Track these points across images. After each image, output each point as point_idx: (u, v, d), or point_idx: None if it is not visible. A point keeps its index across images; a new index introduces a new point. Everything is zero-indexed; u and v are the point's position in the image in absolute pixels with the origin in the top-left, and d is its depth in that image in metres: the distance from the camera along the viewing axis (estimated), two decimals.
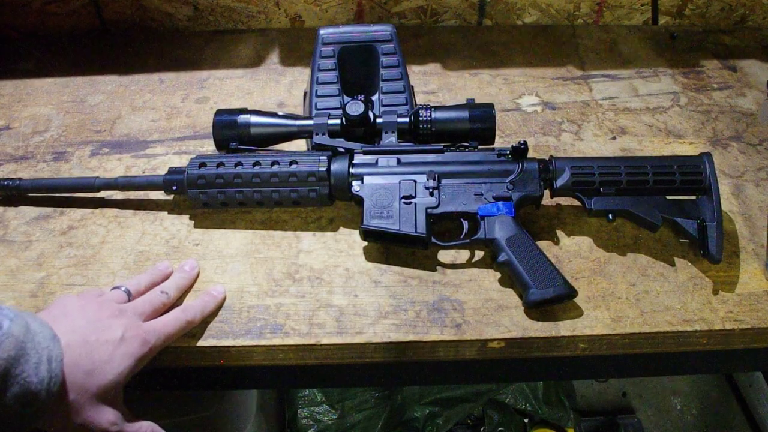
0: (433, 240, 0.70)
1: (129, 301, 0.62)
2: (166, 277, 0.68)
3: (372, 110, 0.75)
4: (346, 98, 0.77)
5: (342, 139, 0.74)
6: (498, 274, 0.71)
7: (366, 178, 0.71)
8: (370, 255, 0.73)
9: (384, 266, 0.72)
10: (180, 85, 0.96)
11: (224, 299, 0.68)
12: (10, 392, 0.45)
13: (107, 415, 0.53)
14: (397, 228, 0.69)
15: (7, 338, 0.45)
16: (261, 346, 0.65)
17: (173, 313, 0.63)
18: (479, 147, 0.74)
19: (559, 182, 0.71)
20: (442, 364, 0.70)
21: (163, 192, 0.75)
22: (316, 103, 0.79)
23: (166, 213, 0.77)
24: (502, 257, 0.68)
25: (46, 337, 0.49)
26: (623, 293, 0.69)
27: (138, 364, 0.57)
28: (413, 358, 0.68)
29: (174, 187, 0.73)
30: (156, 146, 0.86)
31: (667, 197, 0.71)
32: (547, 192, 0.72)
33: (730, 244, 0.74)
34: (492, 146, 0.75)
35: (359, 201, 0.71)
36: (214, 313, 0.66)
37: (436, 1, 1.02)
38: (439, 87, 0.95)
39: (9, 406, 0.45)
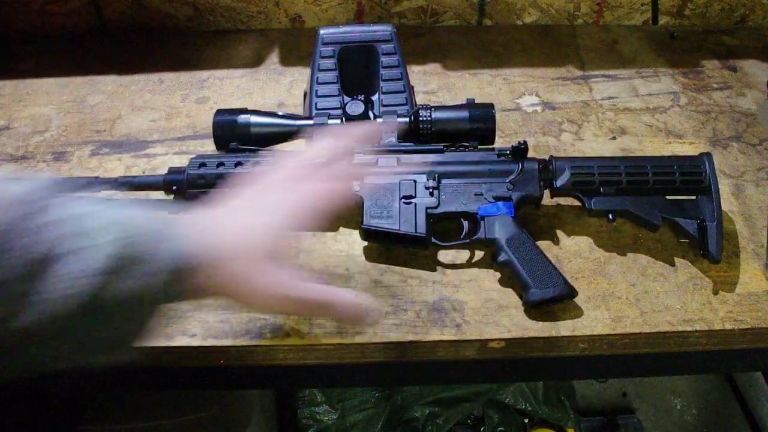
0: (433, 240, 0.70)
1: None
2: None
3: (372, 110, 0.75)
4: (346, 98, 0.77)
5: None
6: (498, 274, 0.71)
7: (366, 178, 0.71)
8: (370, 255, 0.73)
9: (384, 266, 0.72)
10: (180, 85, 0.96)
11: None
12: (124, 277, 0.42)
13: (275, 275, 0.49)
14: (397, 228, 0.69)
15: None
16: (261, 346, 0.65)
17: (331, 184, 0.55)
18: (479, 147, 0.74)
19: (559, 182, 0.71)
20: (442, 364, 0.70)
21: (163, 192, 0.75)
22: (316, 103, 0.79)
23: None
24: (502, 257, 0.68)
25: (168, 228, 0.46)
26: (623, 293, 0.69)
27: (301, 224, 0.51)
28: (413, 358, 0.68)
29: (174, 187, 0.73)
30: (156, 146, 0.86)
31: (667, 197, 0.71)
32: (547, 192, 0.72)
33: (730, 244, 0.74)
34: (492, 146, 0.75)
35: (359, 201, 0.71)
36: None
37: (436, 1, 1.02)
38: (439, 87, 0.95)
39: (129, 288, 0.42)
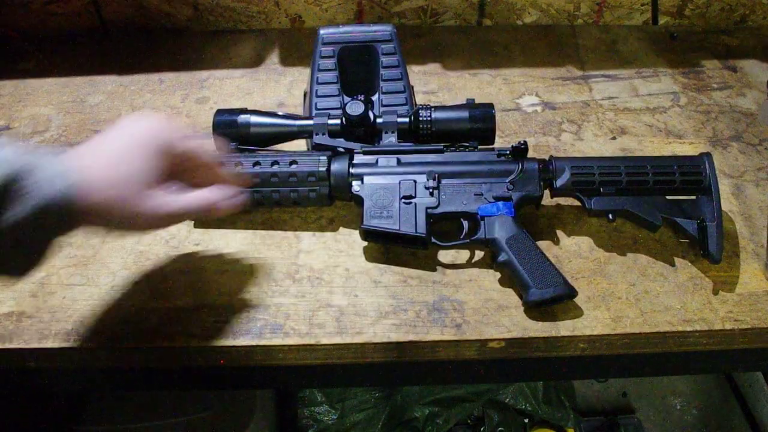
0: (433, 240, 0.70)
1: None
2: None
3: (372, 110, 0.75)
4: (346, 98, 0.77)
5: (342, 139, 0.74)
6: (498, 274, 0.71)
7: (366, 178, 0.71)
8: (370, 255, 0.73)
9: (384, 266, 0.72)
10: (180, 85, 0.96)
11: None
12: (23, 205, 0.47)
13: (152, 199, 0.55)
14: (397, 228, 0.69)
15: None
16: (261, 346, 0.65)
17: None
18: (479, 147, 0.74)
19: (559, 182, 0.71)
20: (442, 364, 0.70)
21: None
22: (316, 103, 0.79)
23: None
24: (502, 257, 0.68)
25: (51, 161, 0.50)
26: (623, 293, 0.69)
27: (163, 146, 0.56)
28: (413, 358, 0.68)
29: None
30: None
31: (667, 197, 0.71)
32: (547, 192, 0.72)
33: (730, 244, 0.74)
34: (492, 146, 0.75)
35: (359, 201, 0.71)
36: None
37: (436, 1, 1.02)
38: (439, 87, 0.95)
39: (26, 217, 0.47)
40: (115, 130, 0.57)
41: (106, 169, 0.53)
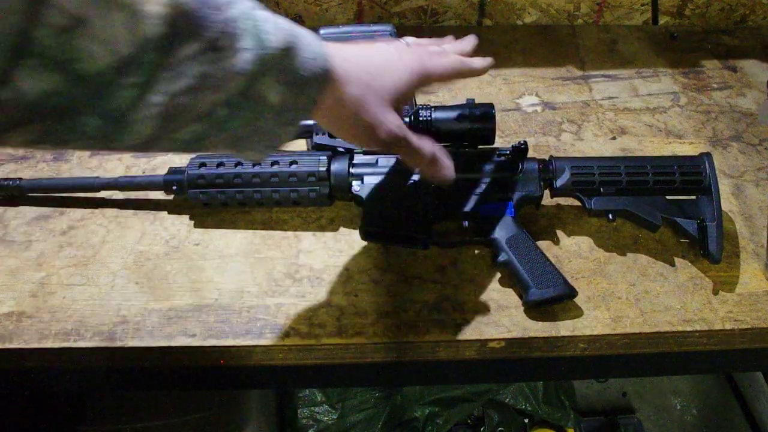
0: (433, 240, 0.70)
1: None
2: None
3: None
4: None
5: (342, 139, 0.74)
6: (498, 274, 0.71)
7: (366, 178, 0.71)
8: (370, 255, 0.73)
9: (384, 266, 0.72)
10: None
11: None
12: (283, 80, 0.46)
13: (393, 117, 0.54)
14: (398, 228, 0.69)
15: (279, 30, 0.45)
16: (261, 346, 0.65)
17: (451, 56, 0.62)
18: (479, 147, 0.74)
19: (559, 182, 0.71)
20: (442, 364, 0.70)
21: (163, 192, 0.75)
22: None
23: (166, 213, 0.77)
24: (502, 257, 0.68)
25: (313, 38, 0.49)
26: (623, 293, 0.69)
27: (414, 80, 0.56)
28: (413, 358, 0.68)
29: (174, 187, 0.73)
30: None
31: (667, 197, 0.71)
32: (547, 192, 0.72)
33: (730, 244, 0.74)
34: (492, 146, 0.75)
35: (359, 201, 0.71)
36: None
37: (436, 1, 1.02)
38: (439, 87, 0.95)
39: (283, 93, 0.46)
40: (379, 45, 0.57)
41: (364, 71, 0.53)
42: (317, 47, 0.48)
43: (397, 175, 0.72)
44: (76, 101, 0.37)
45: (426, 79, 0.58)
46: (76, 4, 0.34)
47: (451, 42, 0.66)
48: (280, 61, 0.45)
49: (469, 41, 0.67)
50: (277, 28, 0.45)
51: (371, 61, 0.54)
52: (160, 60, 0.39)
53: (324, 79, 0.48)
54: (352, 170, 0.72)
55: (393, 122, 0.54)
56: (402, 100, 0.56)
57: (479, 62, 0.64)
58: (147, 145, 0.43)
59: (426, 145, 0.57)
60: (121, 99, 0.38)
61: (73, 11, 0.34)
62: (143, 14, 0.37)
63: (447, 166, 0.59)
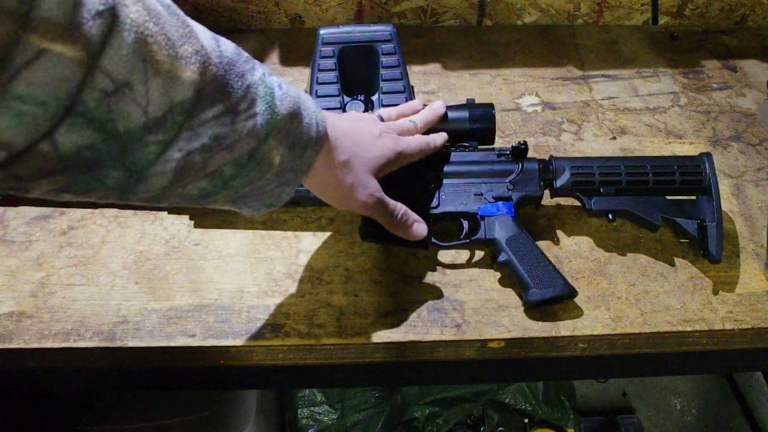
0: (433, 240, 0.70)
1: None
2: (415, 113, 0.71)
3: (372, 110, 0.75)
4: (346, 98, 0.77)
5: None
6: (498, 274, 0.71)
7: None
8: (370, 255, 0.73)
9: (384, 266, 0.72)
10: None
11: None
12: (286, 143, 0.49)
13: (373, 182, 0.59)
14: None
15: (286, 96, 0.49)
16: (261, 346, 0.65)
17: (418, 137, 0.68)
18: (479, 147, 0.74)
19: (559, 182, 0.71)
20: (442, 364, 0.70)
21: None
22: None
23: (166, 213, 0.77)
24: (502, 257, 0.68)
25: (313, 104, 0.53)
26: (623, 293, 0.69)
27: (392, 157, 0.61)
28: (413, 358, 0.68)
29: None
30: None
31: (667, 197, 0.71)
32: (547, 192, 0.73)
33: (730, 244, 0.74)
34: (492, 146, 0.75)
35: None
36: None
37: (436, 1, 1.02)
38: (439, 87, 0.95)
39: (284, 155, 0.49)
40: (366, 122, 0.62)
41: (352, 141, 0.57)
42: (316, 114, 0.52)
43: (396, 175, 0.72)
44: (104, 155, 0.38)
45: (399, 160, 0.63)
46: (124, 70, 0.36)
47: (419, 108, 0.72)
48: (286, 126, 0.48)
49: (437, 110, 0.72)
50: (285, 95, 0.49)
51: (358, 134, 0.59)
52: (184, 121, 0.41)
53: (321, 143, 0.53)
54: None
55: (374, 187, 0.59)
56: (379, 174, 0.60)
57: (440, 140, 0.70)
58: (157, 198, 0.45)
59: (399, 209, 0.63)
60: (145, 154, 0.40)
61: (120, 77, 0.36)
62: (179, 80, 0.39)
63: (417, 228, 0.65)
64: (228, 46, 0.45)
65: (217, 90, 0.42)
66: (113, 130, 0.37)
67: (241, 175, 0.47)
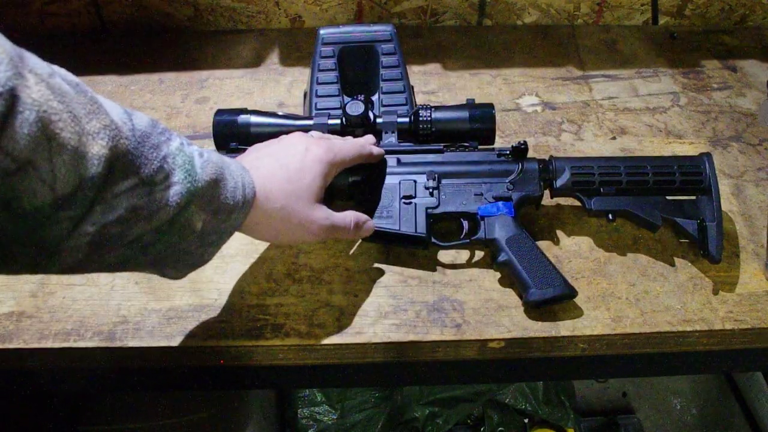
0: (433, 240, 0.70)
1: None
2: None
3: (372, 110, 0.75)
4: (346, 98, 0.77)
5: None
6: (498, 274, 0.71)
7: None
8: (370, 255, 0.73)
9: (384, 266, 0.72)
10: (180, 85, 0.96)
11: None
12: (209, 209, 0.50)
13: (318, 211, 0.60)
14: (397, 228, 0.69)
15: (208, 164, 0.49)
16: (261, 346, 0.65)
17: (351, 140, 0.69)
18: (479, 147, 0.74)
19: (559, 182, 0.71)
20: (442, 364, 0.70)
21: None
22: (316, 103, 0.79)
23: None
24: (502, 257, 0.68)
25: (238, 167, 0.54)
26: (623, 293, 0.69)
27: (326, 170, 0.61)
28: (413, 358, 0.68)
29: None
30: None
31: (667, 197, 0.71)
32: (547, 192, 0.72)
33: (730, 244, 0.74)
34: (492, 146, 0.75)
35: (359, 201, 0.71)
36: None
37: (436, 1, 1.02)
38: (439, 87, 0.95)
39: (207, 221, 0.50)
40: (289, 145, 0.62)
41: (284, 181, 0.58)
42: (243, 176, 0.53)
43: (397, 175, 0.72)
44: (13, 235, 0.38)
45: (336, 165, 0.63)
46: (26, 149, 0.36)
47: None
48: (208, 192, 0.49)
49: (369, 138, 0.72)
50: (206, 162, 0.49)
51: (288, 169, 0.59)
52: (96, 196, 0.41)
53: (248, 204, 0.54)
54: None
55: (320, 217, 0.60)
56: (321, 193, 0.61)
57: (376, 150, 0.70)
58: (73, 270, 0.45)
59: (348, 218, 0.63)
60: (56, 231, 0.40)
61: (22, 156, 0.36)
62: (87, 156, 0.39)
63: (368, 226, 0.66)
64: (141, 120, 0.45)
65: (131, 163, 0.43)
66: (19, 208, 0.37)
67: (161, 241, 0.48)
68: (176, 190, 0.46)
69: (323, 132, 0.74)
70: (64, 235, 0.40)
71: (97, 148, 0.40)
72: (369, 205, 0.70)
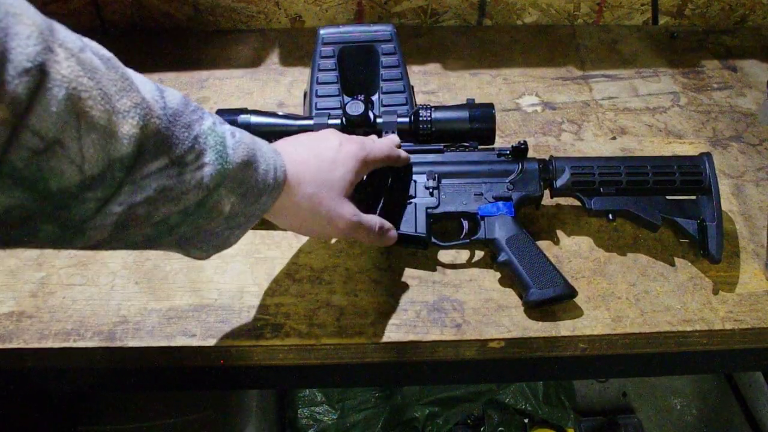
0: (433, 240, 0.70)
1: None
2: None
3: (372, 110, 0.75)
4: (346, 98, 0.77)
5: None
6: (498, 274, 0.71)
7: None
8: (370, 255, 0.73)
9: (384, 266, 0.72)
10: (180, 85, 0.96)
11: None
12: (239, 191, 0.48)
13: (347, 206, 0.59)
14: (397, 228, 0.69)
15: (240, 145, 0.48)
16: (261, 346, 0.65)
17: (383, 140, 0.68)
18: (479, 147, 0.74)
19: (559, 182, 0.71)
20: (442, 364, 0.70)
21: None
22: (316, 103, 0.79)
23: None
24: (502, 257, 0.68)
25: (270, 149, 0.53)
26: (623, 293, 0.69)
27: (358, 167, 0.60)
28: (413, 358, 0.68)
29: None
30: None
31: (667, 197, 0.71)
32: (547, 192, 0.72)
33: (730, 244, 0.74)
34: (492, 146, 0.75)
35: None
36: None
37: (436, 1, 1.02)
38: (439, 87, 0.95)
39: (235, 203, 0.49)
40: (324, 139, 0.61)
41: (316, 170, 0.57)
42: (275, 159, 0.52)
43: (396, 174, 0.72)
44: (37, 213, 0.37)
45: (368, 163, 0.62)
46: (54, 128, 0.35)
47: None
48: (239, 175, 0.48)
49: (394, 138, 0.71)
50: (238, 143, 0.48)
51: (321, 159, 0.58)
52: (126, 176, 0.40)
53: (279, 187, 0.52)
54: None
55: (348, 212, 0.59)
56: (350, 189, 0.60)
57: (404, 154, 0.69)
58: (96, 247, 0.44)
59: (374, 220, 0.62)
60: (83, 210, 0.39)
61: (50, 135, 0.35)
62: (117, 135, 0.38)
63: (391, 235, 0.65)
64: (174, 97, 0.44)
65: (161, 142, 0.41)
66: (45, 189, 0.36)
67: (187, 222, 0.46)
68: (207, 171, 0.45)
69: None
70: (89, 215, 0.39)
71: (128, 128, 0.38)
72: (392, 214, 0.69)
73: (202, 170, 0.45)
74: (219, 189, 0.46)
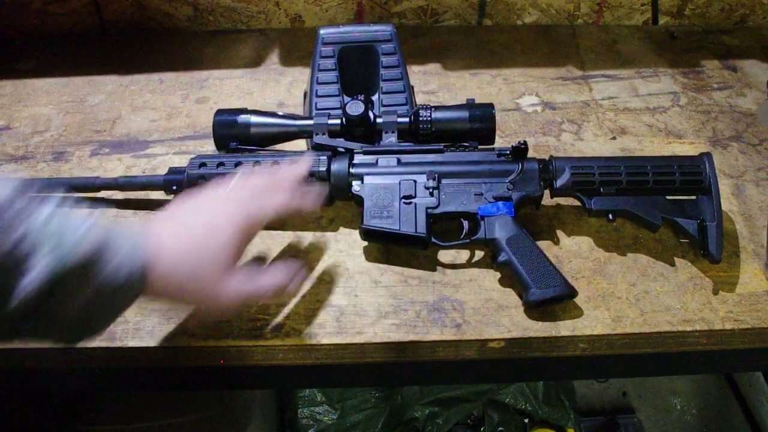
0: (433, 240, 0.70)
1: None
2: None
3: (372, 110, 0.75)
4: (346, 98, 0.77)
5: (342, 139, 0.74)
6: (498, 274, 0.71)
7: (366, 178, 0.71)
8: (370, 255, 0.73)
9: (384, 266, 0.72)
10: (180, 85, 0.96)
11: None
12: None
13: (232, 281, 0.55)
14: (397, 228, 0.69)
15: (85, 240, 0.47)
16: (261, 346, 0.65)
17: (280, 194, 0.62)
18: (479, 147, 0.74)
19: (559, 182, 0.71)
20: (442, 364, 0.70)
21: (163, 192, 0.75)
22: (316, 103, 0.79)
23: None
24: (502, 257, 0.68)
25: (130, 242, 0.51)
26: (623, 293, 0.69)
27: (242, 236, 0.57)
28: (413, 358, 0.68)
29: (174, 187, 0.73)
30: (156, 146, 0.86)
31: (667, 197, 0.71)
32: (547, 192, 0.72)
33: (730, 244, 0.74)
34: (492, 146, 0.75)
35: (359, 201, 0.71)
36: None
37: (436, 1, 1.02)
38: (439, 87, 0.95)
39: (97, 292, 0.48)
40: (203, 208, 0.57)
41: (187, 253, 0.53)
42: (130, 244, 0.49)
43: (397, 175, 0.72)
44: None
45: (254, 228, 0.59)
46: None
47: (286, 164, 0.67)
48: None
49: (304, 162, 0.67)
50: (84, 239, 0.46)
51: (194, 240, 0.54)
52: None
53: (139, 275, 0.50)
54: (352, 170, 0.72)
55: (232, 289, 0.55)
56: (236, 257, 0.57)
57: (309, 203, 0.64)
58: None
59: (275, 276, 0.59)
60: None
61: None
62: None
63: (295, 284, 0.61)
64: None
65: None
66: None
67: None
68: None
69: (323, 132, 0.74)
70: None
71: None
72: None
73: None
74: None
